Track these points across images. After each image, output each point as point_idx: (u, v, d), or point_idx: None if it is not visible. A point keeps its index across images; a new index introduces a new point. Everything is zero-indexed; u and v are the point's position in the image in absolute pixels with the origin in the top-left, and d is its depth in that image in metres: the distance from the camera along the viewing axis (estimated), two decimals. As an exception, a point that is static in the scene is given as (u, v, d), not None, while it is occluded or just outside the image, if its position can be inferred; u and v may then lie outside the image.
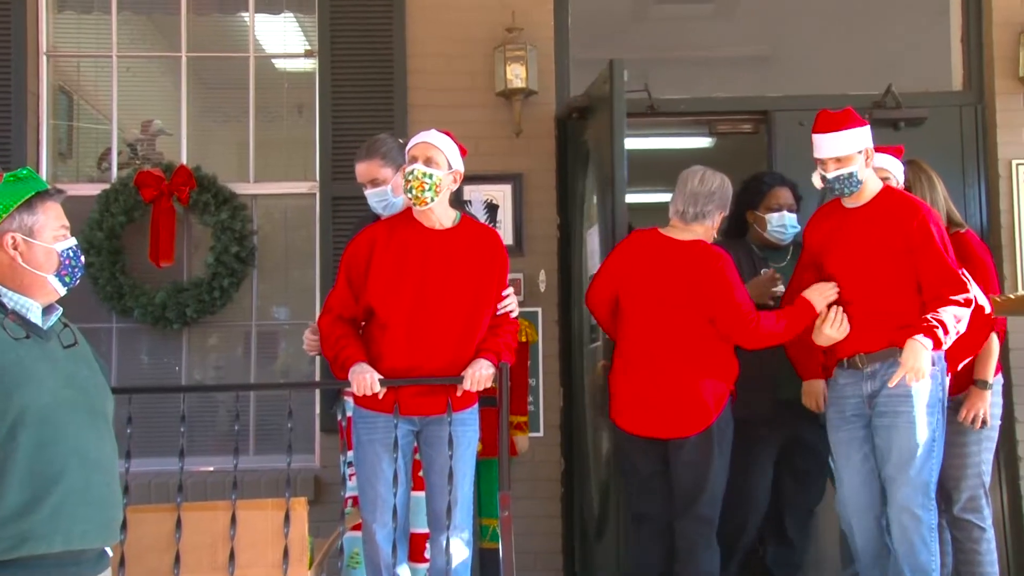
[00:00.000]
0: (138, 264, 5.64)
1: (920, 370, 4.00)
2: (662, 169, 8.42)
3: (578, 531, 5.46)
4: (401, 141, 4.41)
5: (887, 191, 4.38)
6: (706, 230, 4.56)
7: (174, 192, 5.62)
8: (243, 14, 6.03)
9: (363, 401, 4.01)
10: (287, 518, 3.90)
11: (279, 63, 6.28)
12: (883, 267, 4.28)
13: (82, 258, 2.88)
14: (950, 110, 5.82)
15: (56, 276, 2.79)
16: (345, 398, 4.46)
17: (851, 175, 4.21)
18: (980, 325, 4.32)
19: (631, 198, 8.18)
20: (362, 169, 4.33)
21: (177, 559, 3.77)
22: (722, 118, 6.40)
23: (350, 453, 4.43)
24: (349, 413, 4.41)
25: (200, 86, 6.11)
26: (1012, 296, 4.82)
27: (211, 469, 5.01)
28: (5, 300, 2.75)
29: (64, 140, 6.12)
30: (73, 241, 2.86)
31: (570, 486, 5.48)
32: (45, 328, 2.79)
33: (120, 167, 5.86)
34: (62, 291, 2.83)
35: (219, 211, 5.63)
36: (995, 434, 4.54)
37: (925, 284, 4.19)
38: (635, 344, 4.54)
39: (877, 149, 4.44)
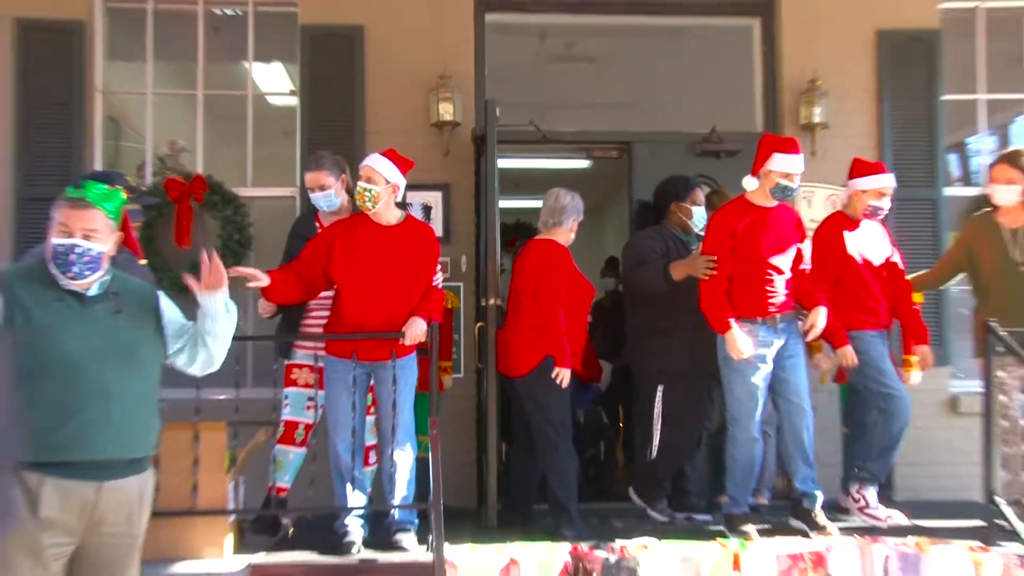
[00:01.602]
0: (167, 246, 5.87)
1: (822, 327, 4.62)
2: (551, 181, 8.78)
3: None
4: (338, 157, 4.76)
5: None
6: (563, 233, 4.99)
7: (192, 194, 5.92)
8: (244, 62, 6.36)
9: (330, 349, 4.44)
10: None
11: (270, 99, 6.57)
12: (793, 251, 4.70)
13: (72, 258, 2.88)
14: (754, 146, 5.44)
15: (53, 263, 2.89)
16: (295, 349, 4.76)
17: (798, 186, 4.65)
18: None
19: (528, 203, 8.31)
20: (311, 178, 4.66)
21: (196, 462, 4.20)
22: (596, 146, 6.80)
23: (285, 390, 4.75)
24: (289, 361, 4.79)
25: (212, 115, 6.28)
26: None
27: (222, 396, 4.83)
28: (54, 273, 2.92)
29: (112, 155, 6.27)
30: (69, 241, 2.89)
31: (482, 414, 5.47)
32: (90, 296, 2.96)
33: (153, 175, 6.14)
34: (61, 279, 2.91)
35: (225, 208, 5.95)
36: None
37: (799, 267, 4.72)
38: (507, 309, 5.08)
39: (863, 170, 4.86)
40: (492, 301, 5.14)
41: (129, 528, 3.01)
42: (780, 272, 4.67)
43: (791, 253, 4.72)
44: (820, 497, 4.66)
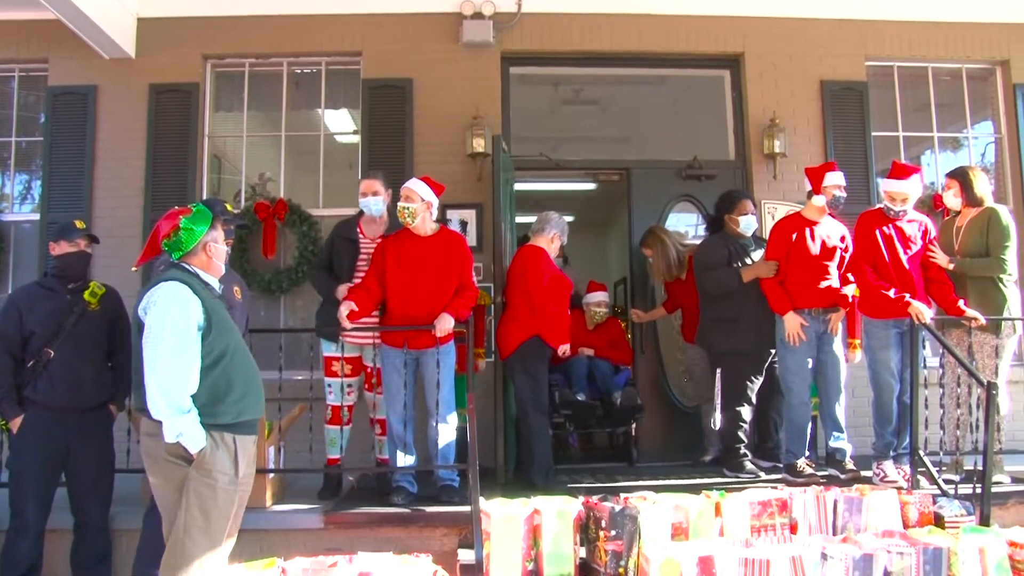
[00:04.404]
0: (255, 256, 5.94)
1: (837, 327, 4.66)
2: (564, 201, 8.71)
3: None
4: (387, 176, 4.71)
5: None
6: (544, 239, 4.92)
7: (276, 214, 5.94)
8: (318, 109, 6.34)
9: (386, 340, 4.37)
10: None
11: (338, 138, 6.51)
12: (837, 256, 4.70)
13: (229, 253, 3.23)
14: (728, 171, 6.21)
15: (224, 265, 3.16)
16: (341, 340, 4.58)
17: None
18: None
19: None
20: (367, 184, 4.58)
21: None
22: (600, 172, 6.85)
23: (329, 379, 4.62)
24: (326, 353, 4.65)
25: (292, 151, 6.28)
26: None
27: (300, 377, 4.98)
28: (205, 279, 3.02)
29: (216, 185, 6.31)
30: (226, 247, 3.20)
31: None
32: (220, 295, 3.11)
33: (246, 200, 6.12)
34: (223, 272, 3.16)
35: (302, 225, 5.92)
36: None
37: (841, 273, 4.70)
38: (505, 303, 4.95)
39: (900, 173, 4.52)
40: (499, 299, 5.08)
41: (254, 471, 3.12)
42: (825, 272, 4.67)
43: (835, 257, 4.71)
44: (849, 450, 4.72)
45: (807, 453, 4.79)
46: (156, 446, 2.85)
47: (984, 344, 4.61)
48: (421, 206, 4.37)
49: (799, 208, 5.13)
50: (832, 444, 4.73)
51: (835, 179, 4.69)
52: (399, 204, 4.37)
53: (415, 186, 4.40)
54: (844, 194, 4.70)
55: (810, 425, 4.81)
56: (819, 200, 4.71)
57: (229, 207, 3.70)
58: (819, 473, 4.69)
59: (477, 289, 4.60)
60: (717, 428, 5.00)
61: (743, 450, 4.97)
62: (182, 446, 2.82)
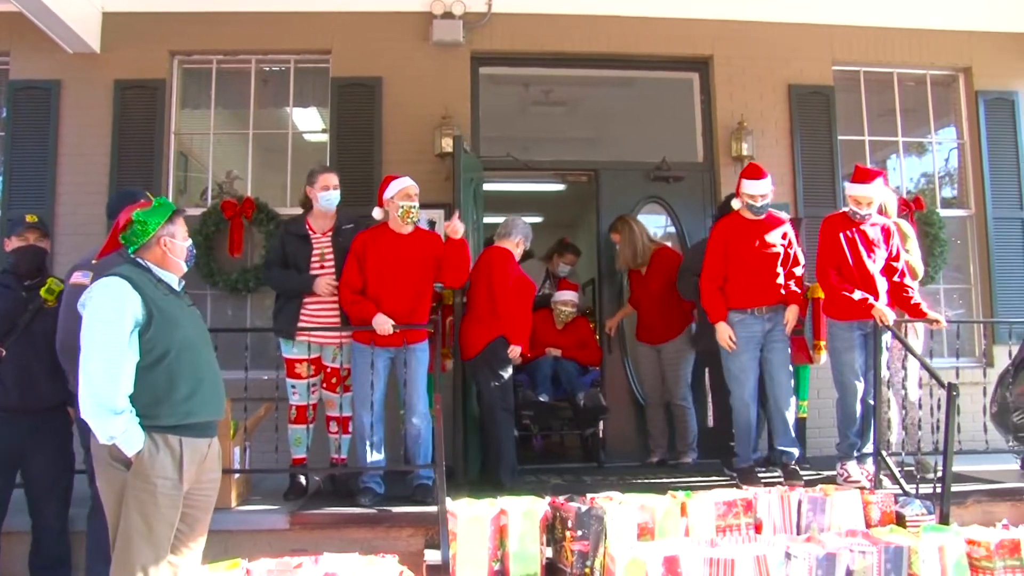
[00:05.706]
0: (222, 255, 5.87)
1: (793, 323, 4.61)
2: (533, 202, 8.82)
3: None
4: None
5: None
6: (510, 243, 4.96)
7: (243, 213, 5.88)
8: (286, 107, 6.28)
9: (357, 337, 4.35)
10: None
11: (307, 136, 6.44)
12: (779, 254, 4.62)
13: (194, 251, 3.06)
14: (696, 173, 6.23)
15: (184, 262, 3.00)
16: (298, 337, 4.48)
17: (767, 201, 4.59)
18: None
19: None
20: (328, 177, 4.54)
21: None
22: (569, 172, 6.87)
23: (293, 381, 4.54)
24: (287, 355, 4.53)
25: (260, 149, 6.23)
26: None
27: (266, 377, 5.06)
28: (159, 274, 2.91)
29: (182, 182, 6.27)
30: (190, 241, 3.03)
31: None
32: (180, 292, 2.99)
33: (213, 198, 6.09)
34: (185, 269, 3.01)
35: (269, 224, 5.86)
36: None
37: (787, 269, 4.64)
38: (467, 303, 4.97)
39: (863, 177, 4.51)
40: (460, 299, 5.06)
41: (218, 475, 3.04)
42: (765, 272, 4.60)
43: (776, 255, 4.63)
44: (796, 454, 4.68)
45: (755, 454, 4.83)
46: (100, 448, 2.75)
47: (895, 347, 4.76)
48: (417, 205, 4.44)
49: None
50: (778, 446, 4.69)
51: (747, 188, 4.61)
52: (405, 204, 4.37)
53: (416, 186, 4.46)
54: (760, 203, 4.59)
55: (754, 427, 4.79)
56: (735, 203, 4.73)
57: (151, 196, 3.39)
58: (762, 475, 4.73)
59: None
60: (712, 426, 5.08)
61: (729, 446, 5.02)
62: (119, 449, 2.70)
